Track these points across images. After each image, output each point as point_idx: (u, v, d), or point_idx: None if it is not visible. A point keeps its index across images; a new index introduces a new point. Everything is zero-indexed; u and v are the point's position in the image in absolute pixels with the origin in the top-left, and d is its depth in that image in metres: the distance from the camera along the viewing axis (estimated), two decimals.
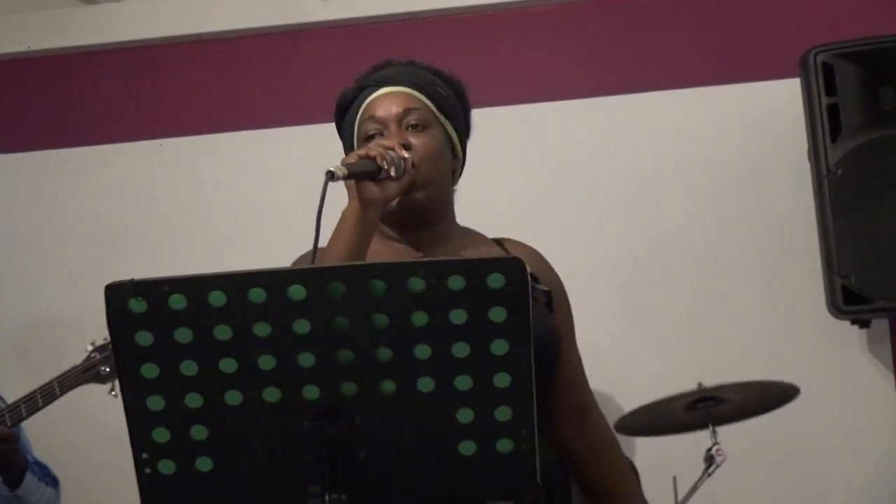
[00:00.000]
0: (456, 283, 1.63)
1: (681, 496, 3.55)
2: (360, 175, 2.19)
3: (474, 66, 4.28)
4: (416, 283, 1.63)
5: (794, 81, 4.07)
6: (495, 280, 1.63)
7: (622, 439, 3.51)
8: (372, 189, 2.20)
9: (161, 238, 4.31)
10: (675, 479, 3.58)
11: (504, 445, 1.68)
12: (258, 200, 4.28)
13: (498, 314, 1.64)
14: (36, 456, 3.23)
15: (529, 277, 1.87)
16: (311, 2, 4.49)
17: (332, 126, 2.50)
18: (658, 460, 3.76)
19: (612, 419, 3.60)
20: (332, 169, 2.13)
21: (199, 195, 4.39)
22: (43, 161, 4.44)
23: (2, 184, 4.49)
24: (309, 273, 1.68)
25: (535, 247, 2.73)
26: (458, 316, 1.64)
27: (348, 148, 2.42)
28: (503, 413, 1.67)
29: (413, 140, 2.31)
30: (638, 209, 4.41)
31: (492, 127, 4.07)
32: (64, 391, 3.15)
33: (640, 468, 3.64)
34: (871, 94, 4.01)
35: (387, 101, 2.36)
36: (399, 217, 2.32)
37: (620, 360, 4.11)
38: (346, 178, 2.17)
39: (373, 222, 2.24)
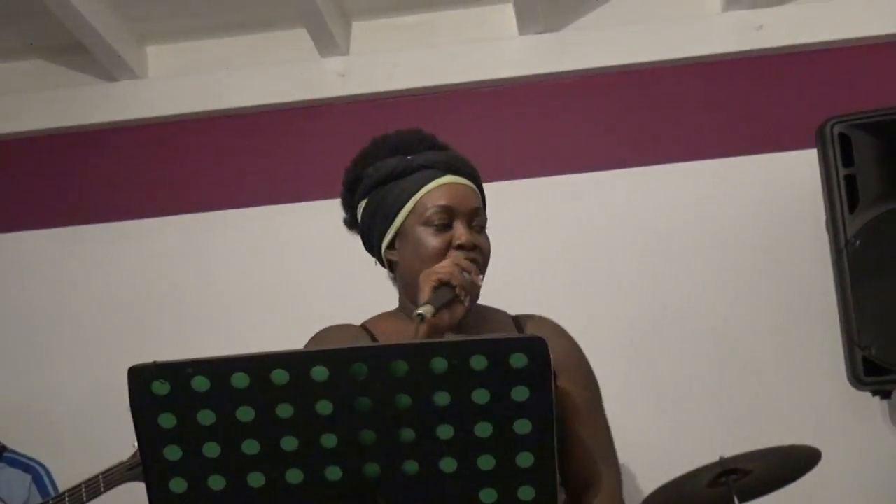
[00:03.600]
0: (478, 363, 1.64)
1: None
2: (442, 307, 2.24)
3: (490, 140, 4.45)
4: (439, 364, 1.64)
5: (812, 152, 4.04)
6: (518, 360, 1.64)
7: None
8: (444, 317, 2.23)
9: (178, 313, 4.30)
10: None
11: None
12: (277, 275, 4.28)
13: (521, 393, 1.65)
14: None
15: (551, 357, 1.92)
16: (328, 77, 4.53)
17: None
18: None
19: (633, 499, 3.65)
20: (421, 312, 2.16)
21: (219, 270, 4.40)
22: (63, 237, 4.46)
23: (22, 260, 4.49)
24: (332, 354, 1.69)
25: (553, 319, 2.74)
26: (480, 396, 1.65)
27: (382, 216, 2.42)
28: (526, 493, 1.67)
29: (479, 242, 2.37)
30: (656, 280, 4.42)
31: (509, 199, 4.12)
32: (108, 487, 3.10)
33: None
34: (888, 164, 3.98)
35: (458, 192, 2.41)
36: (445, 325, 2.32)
37: (639, 434, 4.00)
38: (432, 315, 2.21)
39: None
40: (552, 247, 4.41)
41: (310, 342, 2.35)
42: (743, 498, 3.52)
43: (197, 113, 4.56)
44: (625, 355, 4.28)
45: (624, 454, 3.92)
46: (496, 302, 2.70)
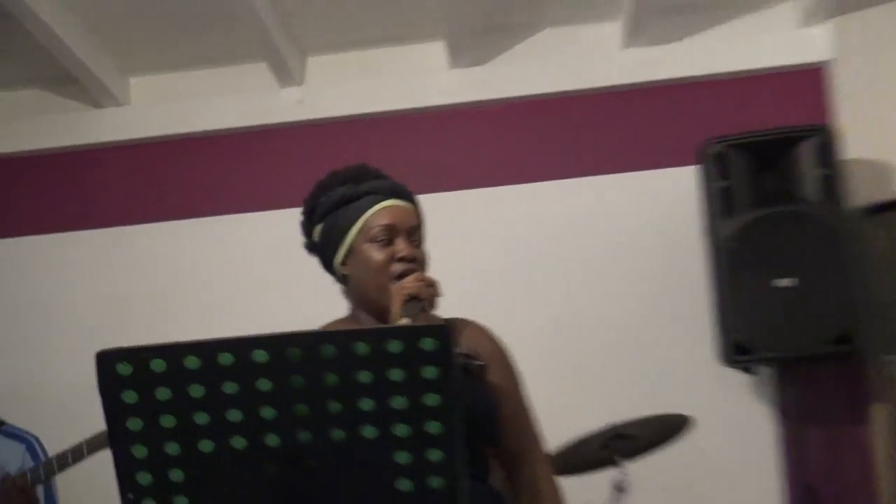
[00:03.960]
0: (395, 346, 1.65)
1: None
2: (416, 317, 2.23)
3: (424, 158, 4.45)
4: (362, 348, 1.64)
5: (693, 168, 4.14)
6: (427, 344, 1.64)
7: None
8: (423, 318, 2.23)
9: (157, 304, 4.30)
10: None
11: (435, 483, 1.68)
12: (242, 271, 4.25)
13: (430, 372, 1.65)
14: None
15: (461, 353, 2.04)
16: (287, 104, 4.53)
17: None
18: (575, 489, 3.68)
19: None
20: (407, 319, 2.18)
21: (191, 267, 4.38)
22: (57, 241, 4.43)
23: (22, 261, 4.47)
24: (270, 339, 1.67)
25: (478, 317, 2.74)
26: (396, 374, 1.65)
27: (335, 236, 2.41)
28: (435, 455, 1.67)
29: (417, 255, 2.35)
30: (563, 277, 4.43)
31: (439, 209, 4.10)
32: (91, 452, 3.07)
33: (572, 499, 3.62)
34: (757, 178, 4.06)
35: (399, 213, 2.38)
36: (382, 310, 2.33)
37: (551, 407, 3.95)
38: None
39: None
40: (477, 249, 4.41)
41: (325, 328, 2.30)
42: (628, 458, 3.53)
43: (172, 135, 4.55)
44: (543, 344, 4.25)
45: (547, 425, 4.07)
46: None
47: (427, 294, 2.27)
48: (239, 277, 4.28)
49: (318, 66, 4.56)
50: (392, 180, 2.47)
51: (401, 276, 2.32)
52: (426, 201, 3.10)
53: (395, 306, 2.24)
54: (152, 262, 4.40)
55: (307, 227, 2.46)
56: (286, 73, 4.41)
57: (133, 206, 4.46)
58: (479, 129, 4.54)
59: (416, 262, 2.35)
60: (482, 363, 2.39)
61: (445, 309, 2.47)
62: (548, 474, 2.69)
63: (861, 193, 4.21)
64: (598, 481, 3.53)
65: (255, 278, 4.27)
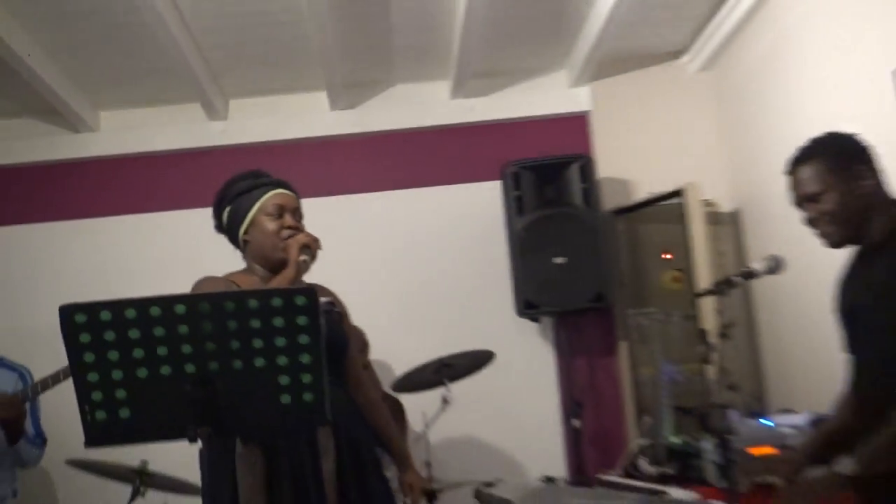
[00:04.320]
0: (277, 302, 1.65)
1: (429, 423, 3.58)
2: (309, 258, 2.23)
3: (310, 172, 4.31)
4: (253, 303, 1.64)
5: (498, 182, 4.19)
6: (300, 300, 1.66)
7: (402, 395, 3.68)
8: (303, 268, 2.22)
9: (120, 272, 4.15)
10: (424, 414, 3.61)
11: (308, 397, 1.69)
12: (181, 253, 4.06)
13: (302, 320, 1.66)
14: (40, 418, 3.02)
15: (327, 302, 2.09)
16: (214, 133, 4.42)
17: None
18: (414, 400, 3.76)
19: (388, 381, 3.78)
20: (306, 258, 2.20)
21: (143, 248, 4.24)
22: (42, 229, 4.26)
23: (19, 244, 4.29)
24: (187, 297, 1.69)
25: (346, 284, 2.69)
26: (278, 321, 1.66)
27: (241, 213, 2.34)
28: (306, 378, 1.69)
29: (300, 227, 2.32)
30: (408, 255, 4.43)
31: (321, 210, 3.96)
32: (64, 378, 2.82)
33: (411, 410, 3.69)
34: (539, 189, 4.12)
35: (286, 198, 2.33)
36: (277, 267, 2.28)
37: (398, 349, 4.07)
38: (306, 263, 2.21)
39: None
40: (349, 234, 4.36)
41: (194, 285, 2.24)
42: (451, 380, 3.59)
43: (131, 153, 4.41)
44: (393, 304, 4.31)
45: (389, 359, 4.11)
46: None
47: (315, 245, 2.25)
48: (178, 255, 4.12)
49: (237, 106, 4.47)
50: (280, 179, 2.44)
51: (289, 238, 2.28)
52: (314, 203, 3.04)
53: (293, 252, 2.20)
54: (114, 245, 4.25)
55: (218, 211, 2.41)
56: (213, 111, 4.30)
57: (102, 204, 4.31)
58: (350, 154, 4.49)
59: (299, 230, 2.32)
60: (339, 311, 2.39)
61: (320, 276, 2.43)
62: (378, 388, 2.80)
63: (609, 201, 4.29)
64: (432, 396, 3.58)
65: (192, 257, 4.11)
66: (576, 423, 3.93)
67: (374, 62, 4.20)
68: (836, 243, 2.11)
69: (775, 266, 2.40)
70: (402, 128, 4.47)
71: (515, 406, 4.23)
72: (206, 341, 1.63)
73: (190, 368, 1.64)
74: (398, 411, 3.65)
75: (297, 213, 2.35)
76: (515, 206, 4.07)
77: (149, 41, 3.60)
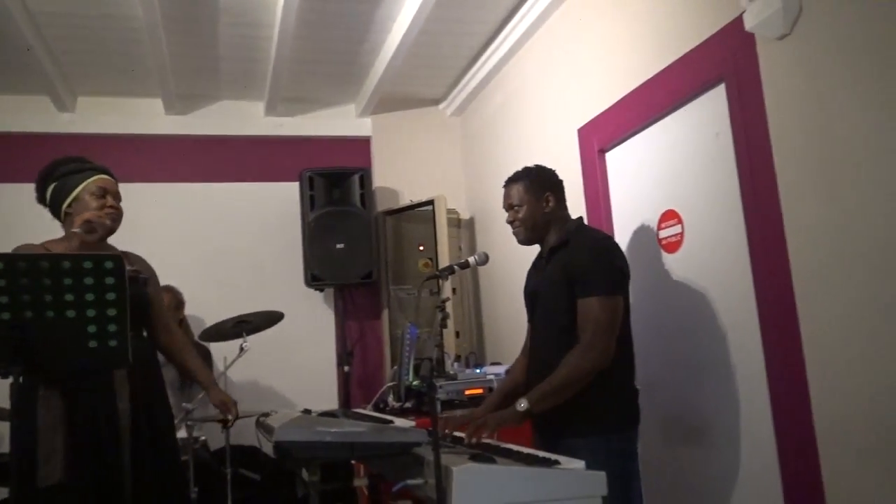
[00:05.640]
0: (88, 264, 1.65)
1: (228, 366, 3.59)
2: (89, 232, 2.17)
3: (143, 162, 4.46)
4: (66, 264, 1.63)
5: (297, 183, 4.41)
6: (108, 264, 1.66)
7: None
8: (89, 237, 2.18)
9: None
10: (225, 358, 3.64)
11: (112, 343, 1.68)
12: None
13: (110, 280, 1.66)
14: None
15: (132, 269, 2.06)
16: (63, 122, 4.37)
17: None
18: (220, 347, 3.80)
19: (199, 331, 3.82)
20: (77, 231, 2.10)
21: None
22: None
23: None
24: (7, 255, 1.67)
25: (167, 255, 2.88)
26: (88, 280, 1.64)
27: (66, 189, 2.23)
28: (112, 328, 1.68)
29: (119, 207, 2.30)
30: (223, 236, 4.51)
31: (147, 195, 4.34)
32: None
33: (216, 355, 3.79)
34: (329, 192, 4.36)
35: (110, 183, 2.30)
36: (88, 240, 2.19)
37: (208, 305, 4.22)
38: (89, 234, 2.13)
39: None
40: (174, 214, 4.42)
41: (13, 251, 2.10)
42: (249, 333, 3.65)
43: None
44: (209, 273, 4.34)
45: (200, 314, 4.24)
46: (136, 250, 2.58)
47: (99, 221, 2.15)
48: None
49: (84, 103, 4.46)
50: (99, 165, 2.33)
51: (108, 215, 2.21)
52: (148, 188, 3.57)
53: (76, 224, 2.15)
54: None
55: (41, 185, 2.30)
56: (62, 104, 4.33)
57: None
58: (180, 151, 4.54)
59: (116, 210, 2.26)
60: (146, 277, 2.38)
61: (147, 246, 2.54)
62: (182, 326, 2.73)
63: (381, 204, 4.60)
64: (233, 345, 3.67)
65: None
66: (346, 368, 4.20)
67: (204, 80, 4.33)
68: (523, 242, 2.36)
69: (483, 259, 2.56)
70: (224, 134, 4.60)
71: (300, 355, 4.40)
72: (23, 293, 1.59)
73: (6, 316, 1.60)
74: (206, 355, 3.75)
75: (116, 195, 2.29)
76: (309, 202, 4.25)
77: (9, 42, 3.57)
